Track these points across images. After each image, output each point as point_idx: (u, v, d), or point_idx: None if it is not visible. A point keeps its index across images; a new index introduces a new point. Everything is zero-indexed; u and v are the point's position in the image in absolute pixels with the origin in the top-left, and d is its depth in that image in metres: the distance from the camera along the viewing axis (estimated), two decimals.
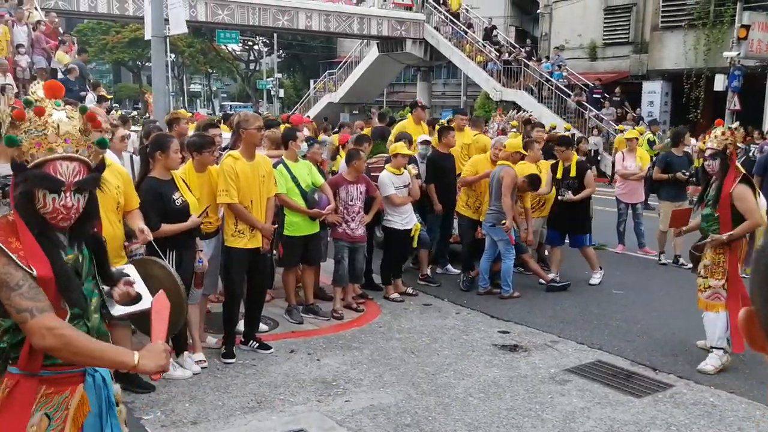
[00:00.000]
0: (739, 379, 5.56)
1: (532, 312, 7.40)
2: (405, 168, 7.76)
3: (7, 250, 2.19)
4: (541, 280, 8.35)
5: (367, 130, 11.80)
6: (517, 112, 17.41)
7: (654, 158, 11.43)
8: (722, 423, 4.73)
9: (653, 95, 24.88)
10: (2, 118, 2.29)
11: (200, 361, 5.62)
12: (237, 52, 53.37)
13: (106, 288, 2.54)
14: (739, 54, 19.64)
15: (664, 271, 9.44)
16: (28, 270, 2.18)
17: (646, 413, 4.86)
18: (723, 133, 5.79)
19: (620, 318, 7.14)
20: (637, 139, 10.91)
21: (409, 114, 10.57)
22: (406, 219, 7.78)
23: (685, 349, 6.23)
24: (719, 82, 20.36)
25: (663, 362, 5.91)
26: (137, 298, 2.63)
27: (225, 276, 5.99)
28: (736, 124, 8.05)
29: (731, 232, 5.59)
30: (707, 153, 5.82)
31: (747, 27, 19.28)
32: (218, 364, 5.67)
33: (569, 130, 11.77)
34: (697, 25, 23.03)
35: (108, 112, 20.90)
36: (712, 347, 5.78)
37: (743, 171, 5.83)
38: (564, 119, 22.87)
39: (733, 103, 20.05)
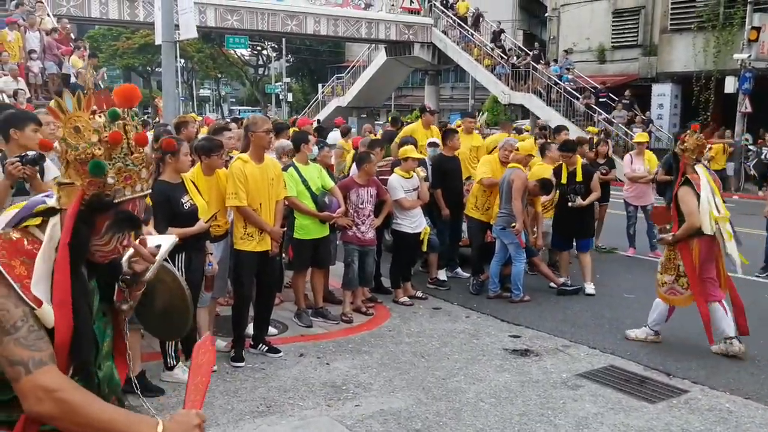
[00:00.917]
0: (756, 384, 5.49)
1: (543, 316, 7.34)
2: (414, 171, 7.73)
3: (8, 275, 1.68)
4: (552, 284, 8.29)
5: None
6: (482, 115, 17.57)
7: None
8: (738, 429, 4.66)
9: (663, 98, 24.76)
10: (86, 130, 1.81)
11: None
12: (246, 57, 53.51)
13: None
14: (749, 56, 19.52)
15: None
16: (31, 304, 1.69)
17: (661, 419, 4.80)
18: (679, 138, 6.33)
19: (632, 322, 7.05)
20: (645, 142, 10.86)
21: (418, 118, 10.58)
22: (415, 222, 7.74)
23: (699, 354, 6.15)
24: (730, 85, 20.24)
25: (677, 367, 5.83)
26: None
27: (234, 279, 5.98)
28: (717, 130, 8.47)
29: (675, 233, 6.12)
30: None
31: (758, 29, 19.17)
32: (227, 368, 5.65)
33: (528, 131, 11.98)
34: (706, 27, 22.91)
35: None
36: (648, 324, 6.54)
37: (698, 174, 6.11)
38: (573, 122, 22.80)
39: (744, 105, 19.94)
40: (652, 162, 10.39)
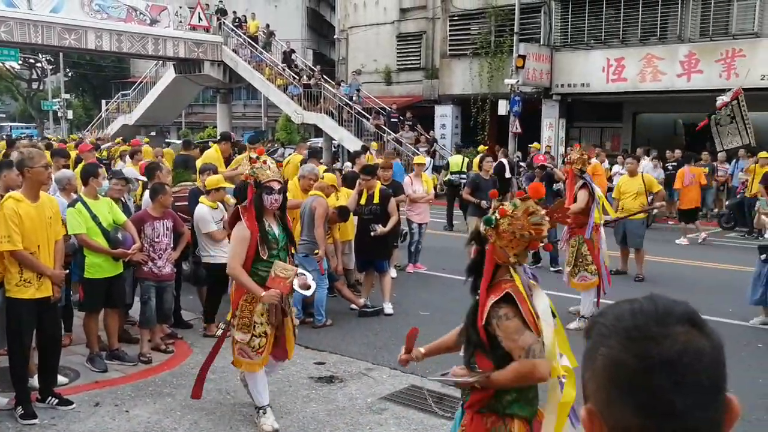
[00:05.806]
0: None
1: (346, 340, 7.51)
2: (225, 200, 7.62)
3: None
4: (353, 306, 8.51)
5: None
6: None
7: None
8: None
9: (445, 118, 26.41)
10: None
11: None
12: (16, 70, 49.09)
13: None
14: (518, 81, 21.44)
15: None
16: None
17: None
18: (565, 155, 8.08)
19: (428, 340, 7.41)
20: (424, 164, 11.68)
21: (210, 137, 10.51)
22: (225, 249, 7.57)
23: None
24: (502, 107, 22.09)
25: None
26: None
27: (11, 331, 5.36)
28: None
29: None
30: None
31: (523, 57, 21.12)
32: (10, 428, 5.15)
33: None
34: (480, 54, 24.79)
35: None
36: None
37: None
38: (363, 141, 23.57)
39: (515, 126, 21.83)
40: (428, 183, 11.25)
